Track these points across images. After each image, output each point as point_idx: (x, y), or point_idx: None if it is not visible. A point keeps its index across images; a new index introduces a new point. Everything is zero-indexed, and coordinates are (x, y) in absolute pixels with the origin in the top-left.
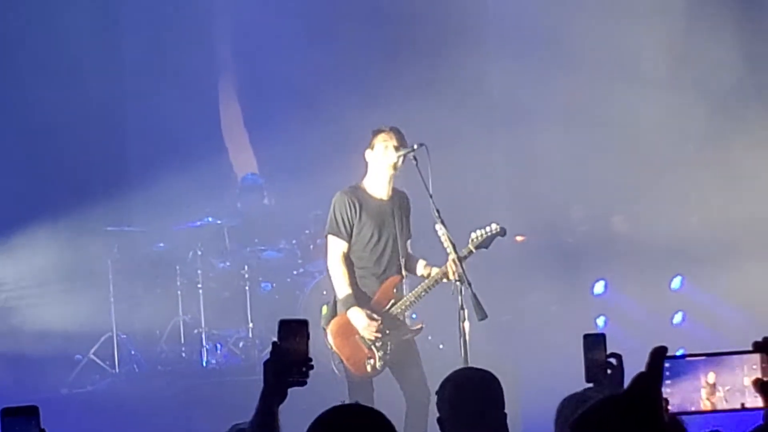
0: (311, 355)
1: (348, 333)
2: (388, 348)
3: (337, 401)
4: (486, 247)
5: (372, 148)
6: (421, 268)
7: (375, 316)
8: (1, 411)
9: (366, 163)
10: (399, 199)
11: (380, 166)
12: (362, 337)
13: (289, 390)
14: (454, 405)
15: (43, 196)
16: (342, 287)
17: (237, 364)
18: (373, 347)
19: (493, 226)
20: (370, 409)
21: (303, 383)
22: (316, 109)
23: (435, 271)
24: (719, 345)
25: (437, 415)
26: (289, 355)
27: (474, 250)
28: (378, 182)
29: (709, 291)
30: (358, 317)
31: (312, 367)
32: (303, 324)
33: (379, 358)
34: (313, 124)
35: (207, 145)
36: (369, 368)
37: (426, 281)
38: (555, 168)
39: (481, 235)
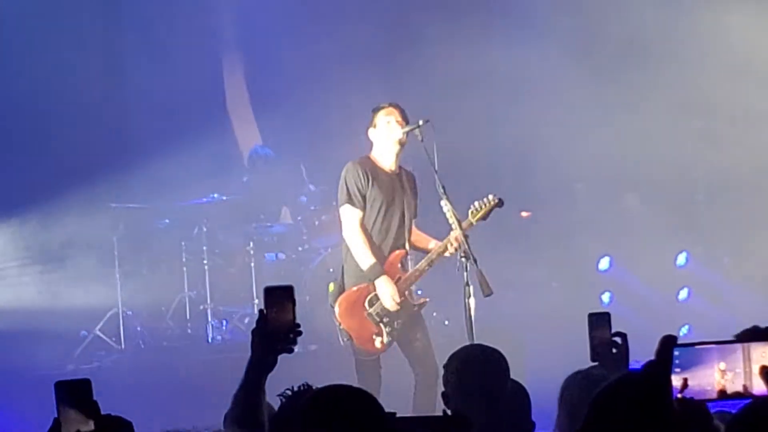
0: (313, 326)
1: (355, 311)
2: (395, 323)
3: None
4: (485, 219)
5: (375, 126)
6: (433, 245)
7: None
8: (54, 384)
9: (370, 143)
10: (408, 176)
11: (386, 142)
12: (370, 314)
13: (302, 365)
14: (459, 380)
15: (48, 173)
16: (366, 257)
17: (242, 341)
18: (381, 323)
19: (491, 197)
20: (358, 389)
21: (290, 350)
22: (321, 86)
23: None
24: (725, 321)
25: (443, 389)
26: (276, 323)
27: (474, 223)
28: (386, 157)
29: (714, 267)
30: (385, 287)
31: (300, 333)
32: (288, 290)
33: (387, 333)
34: (317, 101)
35: (212, 120)
36: (378, 344)
37: (428, 255)
38: (560, 144)
39: (480, 207)
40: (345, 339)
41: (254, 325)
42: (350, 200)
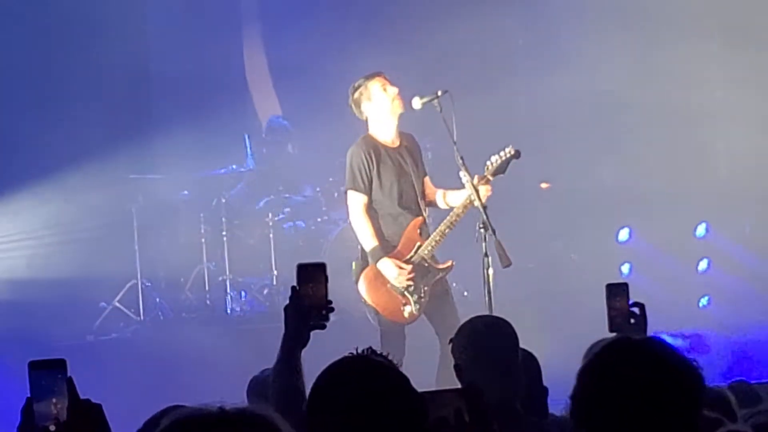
0: (332, 298)
1: (379, 284)
2: (422, 292)
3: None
4: (503, 172)
5: (369, 100)
6: (441, 200)
7: (404, 264)
8: (28, 364)
9: (366, 119)
10: (407, 141)
11: (385, 113)
12: (393, 286)
13: (320, 338)
14: (470, 353)
15: (67, 144)
16: (368, 240)
17: (261, 312)
18: (406, 293)
19: (507, 149)
20: (377, 362)
21: (323, 326)
22: (341, 56)
23: (454, 198)
24: (745, 292)
25: (453, 362)
26: (309, 299)
27: (491, 177)
28: (386, 130)
29: (735, 238)
30: (388, 268)
31: (332, 309)
32: (321, 267)
33: (414, 302)
34: (337, 71)
35: (231, 91)
36: (407, 314)
37: (447, 218)
38: (579, 115)
39: (497, 160)
40: (373, 315)
41: (287, 301)
42: (355, 185)
